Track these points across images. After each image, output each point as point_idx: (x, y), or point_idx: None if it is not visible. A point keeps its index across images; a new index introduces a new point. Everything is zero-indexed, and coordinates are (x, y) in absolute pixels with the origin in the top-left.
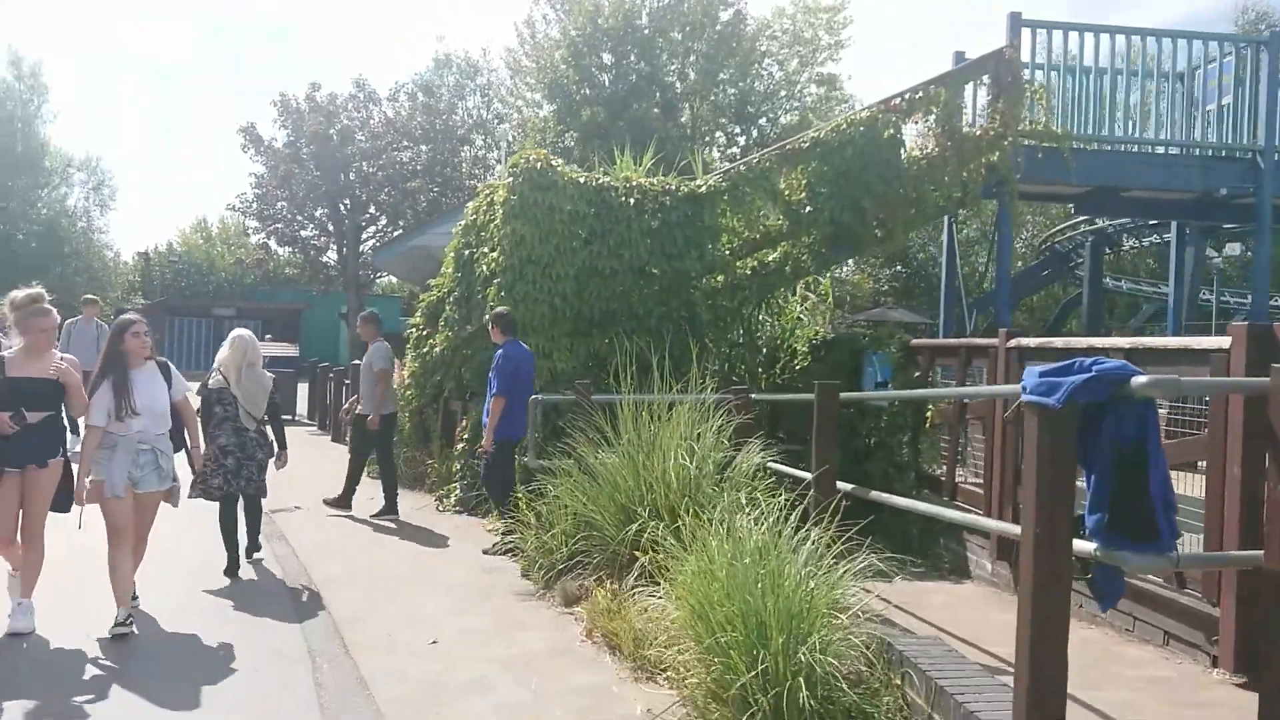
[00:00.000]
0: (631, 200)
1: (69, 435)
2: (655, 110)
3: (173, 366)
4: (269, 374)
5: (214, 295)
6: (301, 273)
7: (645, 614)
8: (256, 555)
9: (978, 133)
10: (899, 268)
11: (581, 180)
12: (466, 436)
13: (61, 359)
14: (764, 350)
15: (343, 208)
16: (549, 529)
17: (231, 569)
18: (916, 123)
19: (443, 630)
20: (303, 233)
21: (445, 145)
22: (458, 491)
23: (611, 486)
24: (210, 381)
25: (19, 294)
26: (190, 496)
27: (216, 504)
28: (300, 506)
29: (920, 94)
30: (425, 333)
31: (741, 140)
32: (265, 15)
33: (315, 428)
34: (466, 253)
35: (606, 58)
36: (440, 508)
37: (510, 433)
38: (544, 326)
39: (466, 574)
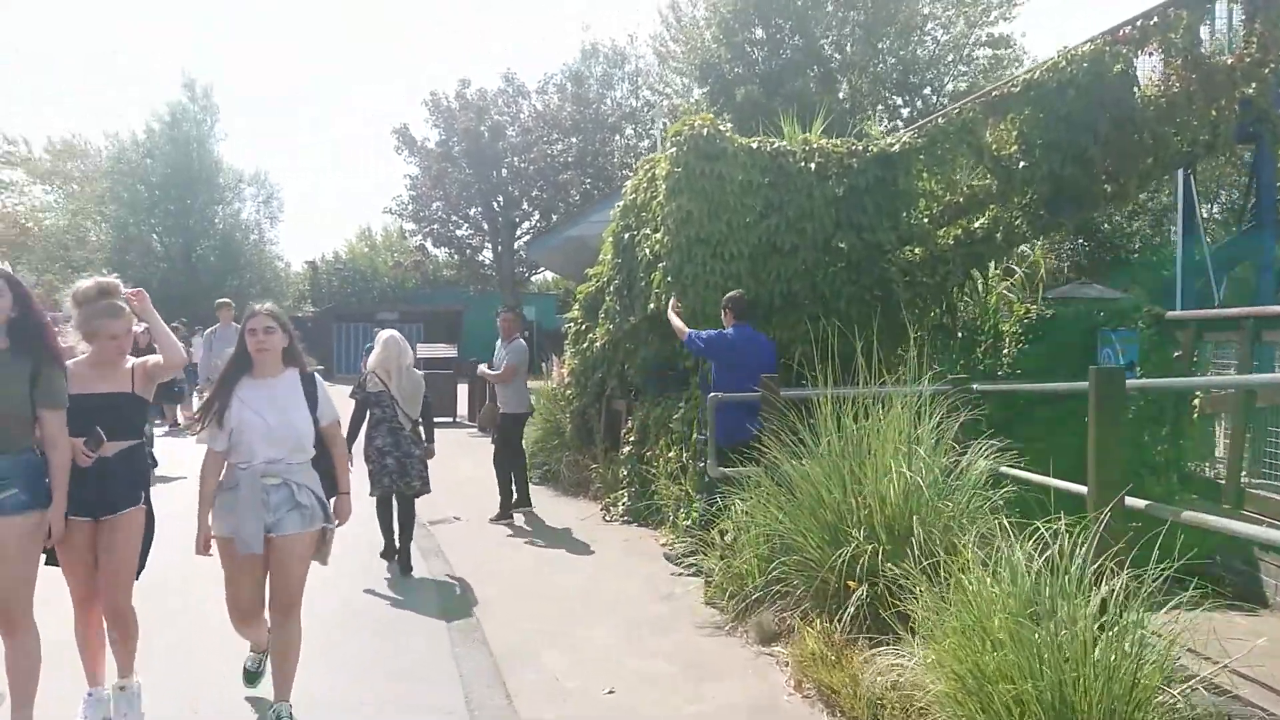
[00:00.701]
0: (812, 165)
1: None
2: (812, 86)
3: (320, 381)
4: (419, 373)
5: (378, 301)
6: (458, 273)
7: (880, 673)
8: (409, 570)
9: (1229, 61)
10: (1081, 241)
11: (754, 146)
12: (633, 439)
13: (141, 362)
14: (960, 334)
15: (496, 205)
16: (738, 550)
17: (389, 551)
18: (1150, 54)
19: (619, 674)
20: (458, 233)
21: (596, 135)
22: (625, 500)
23: (814, 501)
24: (367, 384)
25: (86, 284)
26: (371, 495)
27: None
28: (459, 517)
29: (1155, 20)
30: (584, 327)
31: (905, 112)
32: (410, 14)
33: (476, 430)
34: (626, 236)
35: (759, 32)
36: (607, 517)
37: (727, 434)
38: (716, 314)
39: (641, 599)
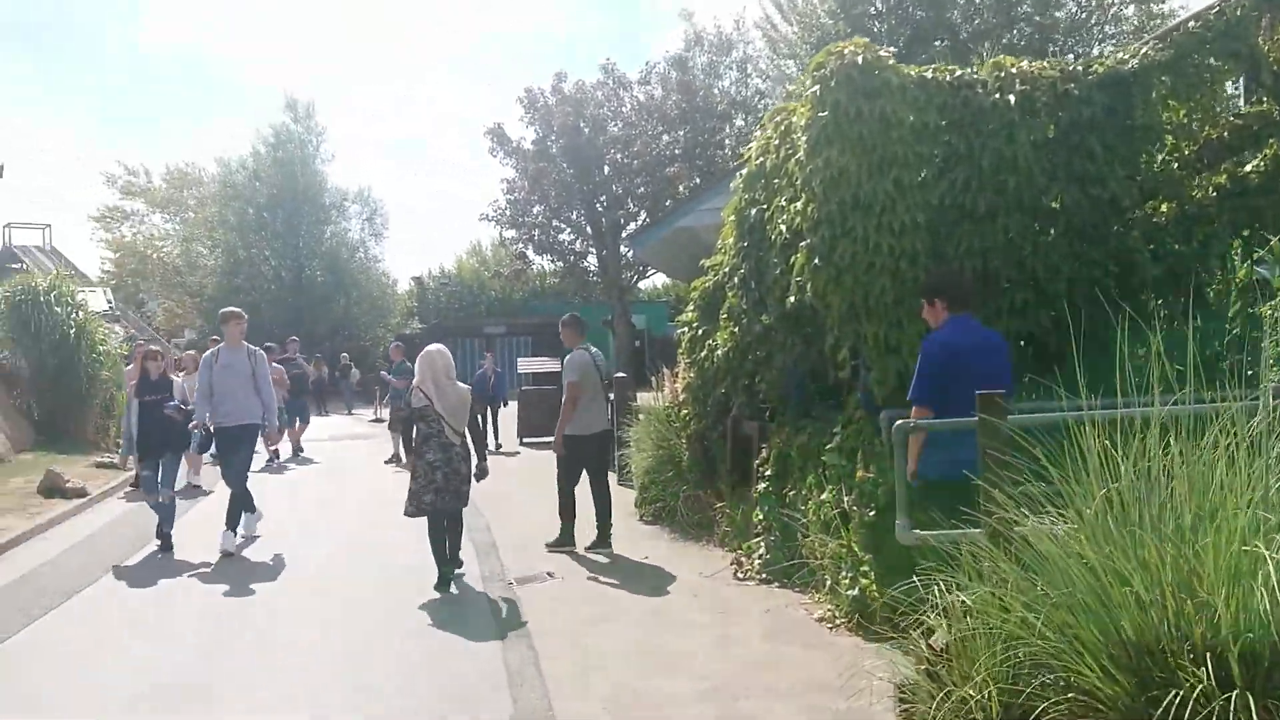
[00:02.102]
0: (1011, 97)
1: None
2: (942, 61)
3: None
4: (464, 386)
5: (485, 315)
6: (562, 281)
7: None
8: (459, 571)
9: None
10: None
11: (927, 75)
12: (770, 473)
13: None
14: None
15: (599, 206)
16: (961, 662)
17: (443, 584)
18: None
19: None
20: (560, 237)
21: (705, 125)
22: (762, 552)
23: (1095, 598)
24: (413, 400)
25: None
26: (406, 514)
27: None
28: (553, 574)
29: None
30: (701, 331)
31: None
32: (506, 15)
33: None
34: (753, 213)
35: (879, 4)
36: (740, 573)
37: (943, 468)
38: (881, 306)
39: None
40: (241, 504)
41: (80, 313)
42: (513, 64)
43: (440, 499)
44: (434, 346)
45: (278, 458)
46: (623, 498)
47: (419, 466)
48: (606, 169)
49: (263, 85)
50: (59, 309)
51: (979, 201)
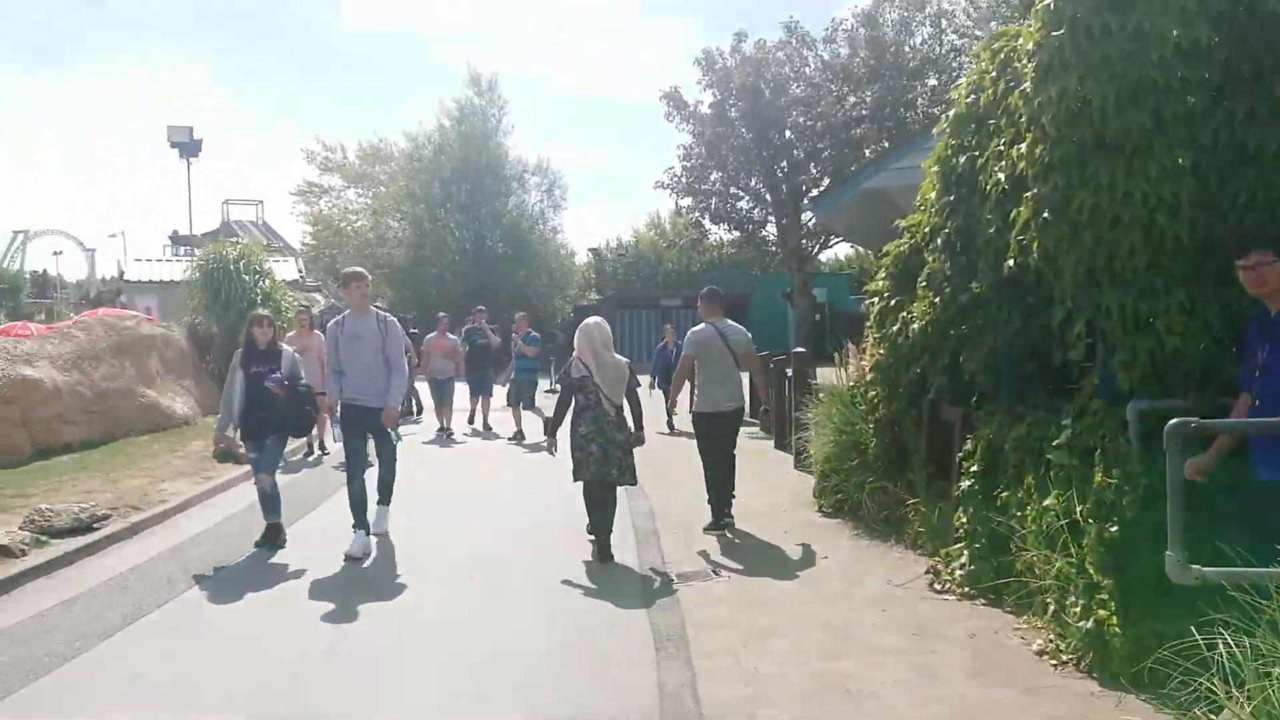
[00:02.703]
0: None
1: None
2: None
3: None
4: (622, 359)
5: (662, 286)
6: (739, 251)
7: None
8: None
9: None
10: None
11: None
12: (976, 468)
13: None
14: None
15: (779, 172)
16: None
17: (601, 554)
18: None
19: None
20: (738, 205)
21: (895, 84)
22: (965, 561)
23: None
24: (571, 371)
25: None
26: (576, 479)
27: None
28: (718, 571)
29: None
30: (893, 302)
31: None
32: None
33: (757, 428)
34: (961, 161)
35: None
36: (937, 585)
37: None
38: (1130, 270)
39: None
40: (389, 488)
41: (266, 280)
42: (692, 25)
43: (600, 469)
44: (593, 319)
45: (450, 434)
46: (800, 485)
47: (575, 439)
48: (788, 133)
49: (453, 61)
50: (246, 277)
51: (1268, 138)
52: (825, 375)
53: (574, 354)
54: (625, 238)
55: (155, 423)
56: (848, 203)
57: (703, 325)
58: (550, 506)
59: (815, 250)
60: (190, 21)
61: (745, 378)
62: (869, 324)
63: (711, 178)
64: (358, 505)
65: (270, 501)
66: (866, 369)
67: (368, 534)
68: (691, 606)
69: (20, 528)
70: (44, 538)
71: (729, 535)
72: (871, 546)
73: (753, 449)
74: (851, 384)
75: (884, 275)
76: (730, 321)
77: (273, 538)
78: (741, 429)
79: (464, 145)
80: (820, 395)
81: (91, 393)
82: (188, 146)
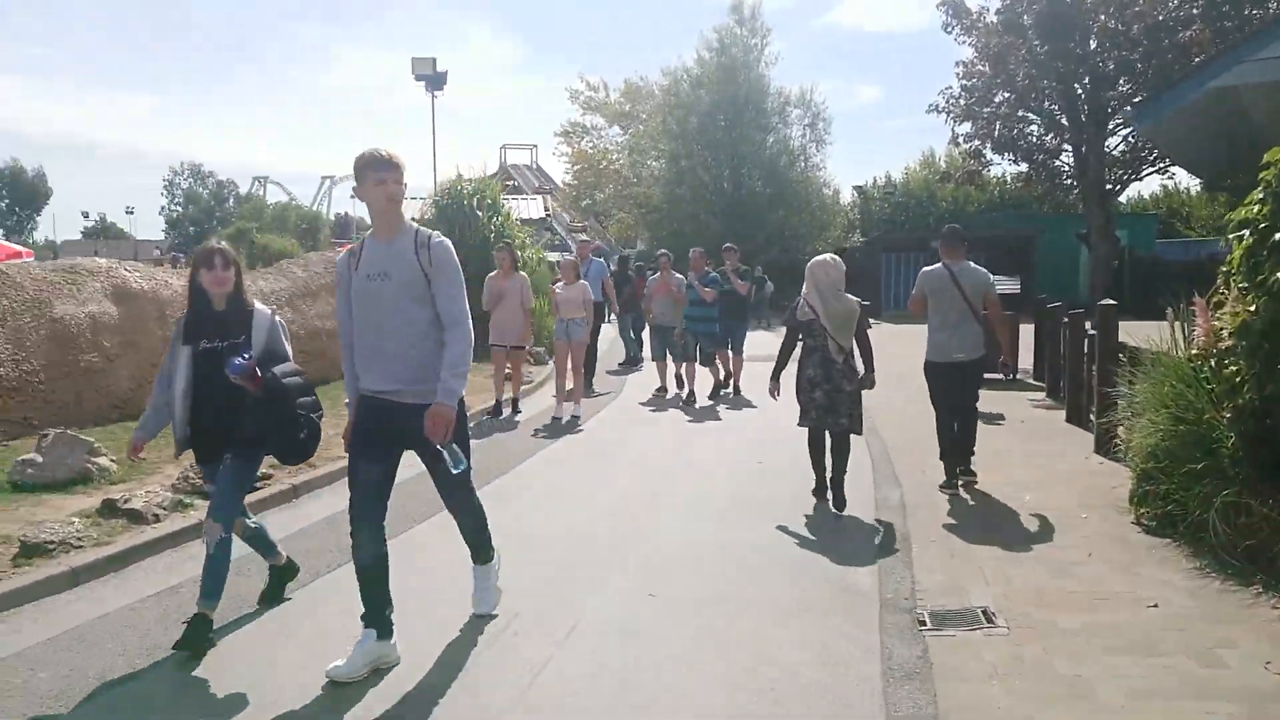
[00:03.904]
0: None
1: None
2: None
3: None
4: (852, 299)
5: (934, 228)
6: (1026, 186)
7: None
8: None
9: None
10: None
11: None
12: None
13: None
14: None
15: (1079, 90)
16: None
17: (820, 490)
18: None
19: None
20: (1026, 130)
21: None
22: None
23: None
24: (797, 313)
25: None
26: (800, 424)
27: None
28: (993, 616)
29: None
30: (1266, 253)
31: None
32: None
33: (1043, 394)
34: None
35: None
36: None
37: None
38: None
39: None
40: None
41: (498, 217)
42: None
43: (824, 418)
44: (824, 257)
45: (665, 393)
46: (1105, 480)
47: (801, 381)
48: (1092, 41)
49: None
50: (480, 213)
51: None
52: (1132, 334)
53: (801, 294)
54: (895, 175)
55: None
56: (1182, 109)
57: (936, 266)
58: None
59: (1122, 183)
60: None
61: None
62: (1232, 269)
63: (996, 99)
64: (369, 583)
65: (215, 572)
66: (1224, 334)
67: (382, 636)
68: (949, 665)
69: (172, 487)
70: (187, 500)
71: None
72: (1225, 592)
73: (1035, 420)
74: (1193, 353)
75: (1262, 197)
76: (971, 264)
77: (274, 588)
78: (1020, 395)
79: (723, 78)
80: (1136, 364)
81: (305, 332)
82: (433, 80)
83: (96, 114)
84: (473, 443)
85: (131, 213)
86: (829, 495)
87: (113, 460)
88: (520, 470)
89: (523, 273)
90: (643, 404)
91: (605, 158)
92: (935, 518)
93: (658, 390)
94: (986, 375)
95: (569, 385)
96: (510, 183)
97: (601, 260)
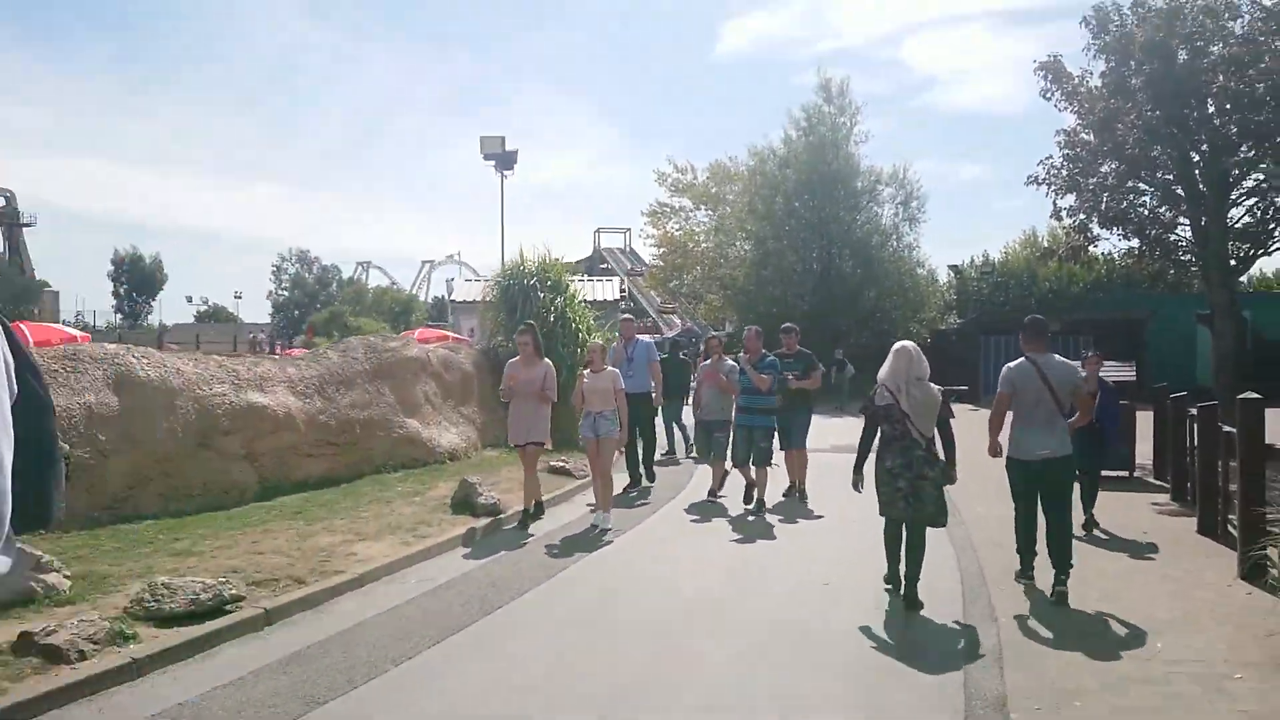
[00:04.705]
0: None
1: None
2: None
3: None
4: (936, 387)
5: (1037, 308)
6: (1138, 263)
7: None
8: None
9: None
10: None
11: None
12: None
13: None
14: None
15: (1196, 157)
16: None
17: (893, 579)
18: None
19: None
20: (1138, 201)
21: None
22: None
23: None
24: (876, 398)
25: None
26: (882, 515)
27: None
28: None
29: None
30: None
31: None
32: None
33: (1167, 497)
34: None
35: None
36: None
37: None
38: None
39: None
40: None
41: (561, 298)
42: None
43: (907, 509)
44: (905, 343)
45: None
46: (1257, 616)
47: (880, 472)
48: (1209, 105)
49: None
50: (542, 294)
51: None
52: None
53: (879, 380)
54: (993, 254)
55: (413, 456)
56: None
57: (1020, 360)
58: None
59: (1247, 258)
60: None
61: None
62: None
63: (1102, 169)
64: None
65: None
66: None
67: None
68: None
69: (124, 610)
70: (129, 631)
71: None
72: None
73: (1162, 530)
74: None
75: None
76: (1057, 357)
77: None
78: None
79: (810, 156)
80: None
81: (335, 422)
82: (502, 159)
83: (215, 203)
84: (437, 575)
85: (239, 297)
86: (902, 590)
87: (67, 576)
88: (510, 611)
89: (547, 360)
90: (688, 511)
91: (691, 239)
92: (1039, 669)
93: (710, 495)
94: (1105, 473)
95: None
96: (603, 265)
97: (649, 341)
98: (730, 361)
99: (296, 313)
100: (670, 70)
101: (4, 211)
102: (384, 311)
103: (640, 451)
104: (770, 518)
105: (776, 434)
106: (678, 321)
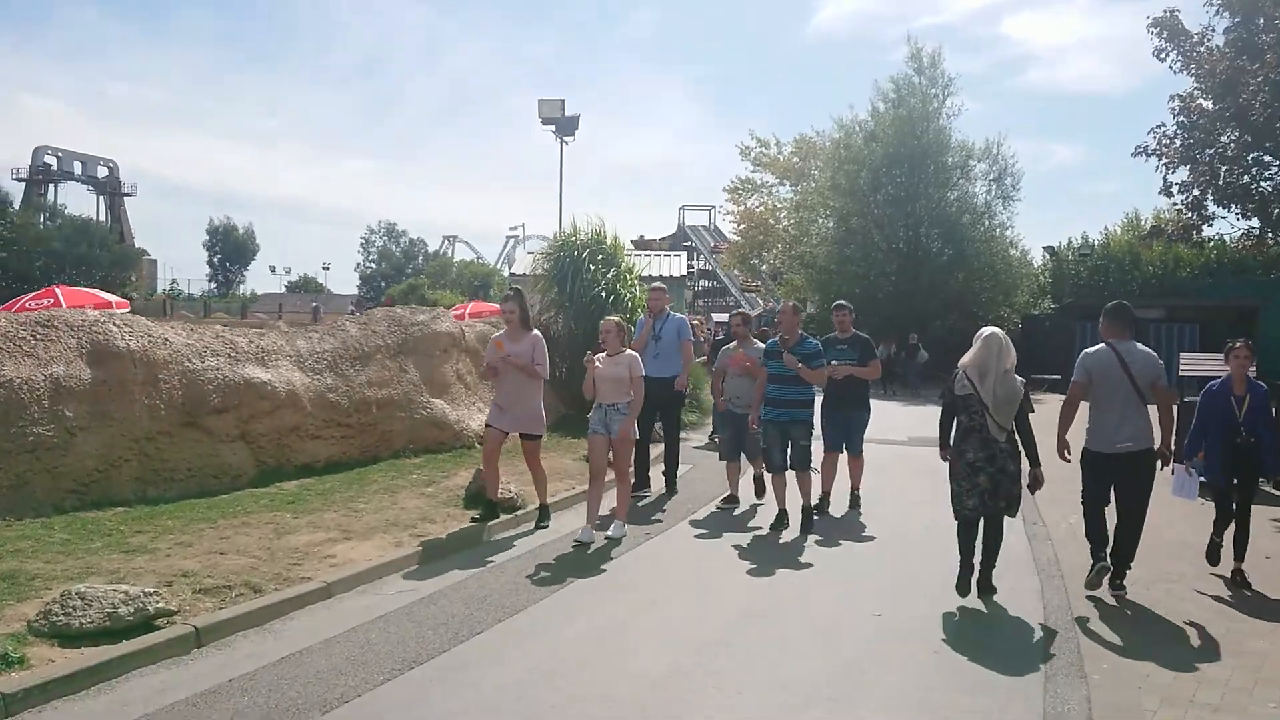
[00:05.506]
0: None
1: None
2: None
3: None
4: (1020, 378)
5: (1138, 294)
6: (1257, 245)
7: None
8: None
9: None
10: None
11: None
12: None
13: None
14: None
15: None
16: None
17: (962, 586)
18: None
19: None
20: (1263, 175)
21: None
22: None
23: None
24: (955, 386)
25: None
26: (957, 513)
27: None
28: None
29: None
30: None
31: None
32: None
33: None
34: None
35: None
36: None
37: None
38: None
39: None
40: None
41: (614, 271)
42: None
43: (986, 503)
44: (993, 329)
45: (736, 504)
46: None
47: (959, 466)
48: None
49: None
50: (593, 267)
51: None
52: None
53: (960, 365)
54: (1094, 236)
55: (438, 440)
56: None
57: (1099, 347)
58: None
59: None
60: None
61: None
62: None
63: (1222, 139)
64: None
65: None
66: None
67: None
68: None
69: (33, 622)
70: (13, 655)
71: None
72: None
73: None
74: None
75: None
76: (1139, 345)
77: None
78: (1266, 511)
79: (899, 129)
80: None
81: (349, 401)
82: (563, 124)
83: (307, 177)
84: (420, 585)
85: (328, 268)
86: (974, 585)
87: None
88: (482, 644)
89: (537, 331)
90: (697, 521)
91: (773, 215)
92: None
93: (724, 501)
94: None
95: (614, 495)
96: (688, 243)
97: (682, 317)
98: (760, 344)
99: (383, 284)
100: (762, 48)
101: (107, 181)
102: (465, 285)
103: (665, 451)
104: (807, 538)
105: (824, 434)
106: (760, 302)
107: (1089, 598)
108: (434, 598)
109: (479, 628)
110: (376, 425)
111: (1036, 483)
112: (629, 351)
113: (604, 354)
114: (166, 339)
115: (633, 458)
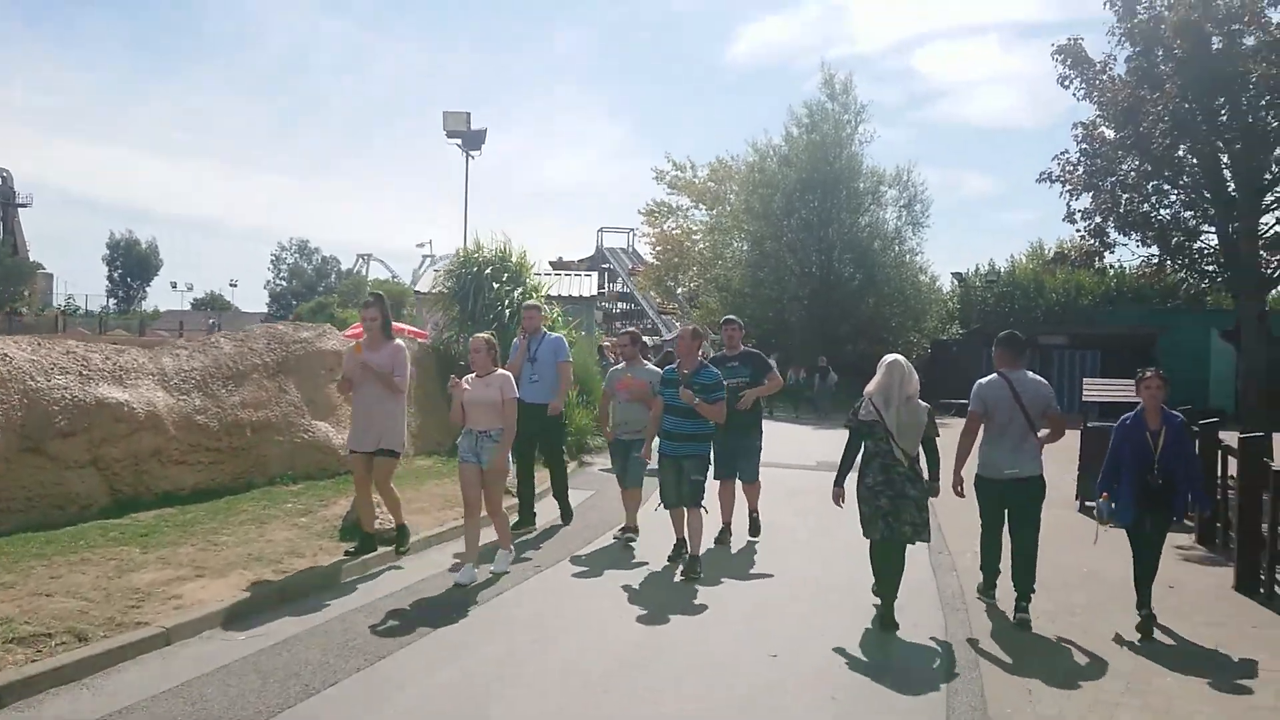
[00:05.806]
0: None
1: None
2: None
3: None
4: (923, 405)
5: (1042, 321)
6: (1157, 273)
7: None
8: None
9: None
10: None
11: None
12: None
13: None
14: None
15: (1223, 159)
16: None
17: (885, 625)
18: None
19: None
20: (1163, 203)
21: None
22: None
23: None
24: (860, 413)
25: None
26: (866, 536)
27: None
28: None
29: None
30: None
31: None
32: None
33: (1193, 538)
34: None
35: None
36: None
37: None
38: None
39: None
40: None
41: (519, 290)
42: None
43: (890, 528)
44: (895, 357)
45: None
46: None
47: (861, 489)
48: (1243, 101)
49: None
50: (497, 285)
51: None
52: None
53: (865, 394)
54: (1000, 264)
55: (320, 465)
56: None
57: (992, 376)
58: None
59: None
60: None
61: None
62: None
63: (1123, 166)
64: None
65: None
66: None
67: None
68: None
69: None
70: None
71: None
72: None
73: (1190, 585)
74: None
75: None
76: (1030, 374)
77: None
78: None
79: (812, 155)
80: None
81: (219, 424)
82: (469, 137)
83: (218, 191)
84: (274, 629)
85: (235, 285)
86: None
87: None
88: (309, 710)
89: (399, 341)
90: (585, 556)
91: (689, 238)
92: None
93: (620, 531)
94: None
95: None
96: (605, 266)
97: (559, 337)
98: (652, 366)
99: (294, 303)
100: (681, 72)
101: None
102: None
103: (551, 481)
104: (710, 576)
105: (713, 465)
106: (678, 325)
107: (993, 634)
108: (288, 643)
109: (335, 677)
110: (251, 449)
111: (931, 492)
112: (501, 371)
113: (472, 375)
114: (6, 354)
115: (516, 489)
